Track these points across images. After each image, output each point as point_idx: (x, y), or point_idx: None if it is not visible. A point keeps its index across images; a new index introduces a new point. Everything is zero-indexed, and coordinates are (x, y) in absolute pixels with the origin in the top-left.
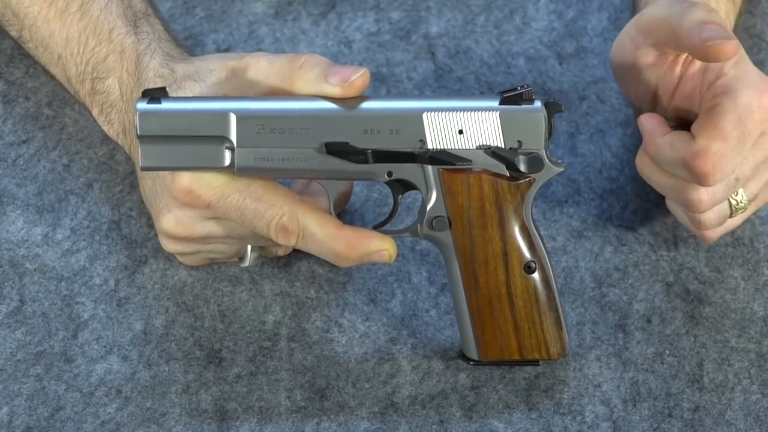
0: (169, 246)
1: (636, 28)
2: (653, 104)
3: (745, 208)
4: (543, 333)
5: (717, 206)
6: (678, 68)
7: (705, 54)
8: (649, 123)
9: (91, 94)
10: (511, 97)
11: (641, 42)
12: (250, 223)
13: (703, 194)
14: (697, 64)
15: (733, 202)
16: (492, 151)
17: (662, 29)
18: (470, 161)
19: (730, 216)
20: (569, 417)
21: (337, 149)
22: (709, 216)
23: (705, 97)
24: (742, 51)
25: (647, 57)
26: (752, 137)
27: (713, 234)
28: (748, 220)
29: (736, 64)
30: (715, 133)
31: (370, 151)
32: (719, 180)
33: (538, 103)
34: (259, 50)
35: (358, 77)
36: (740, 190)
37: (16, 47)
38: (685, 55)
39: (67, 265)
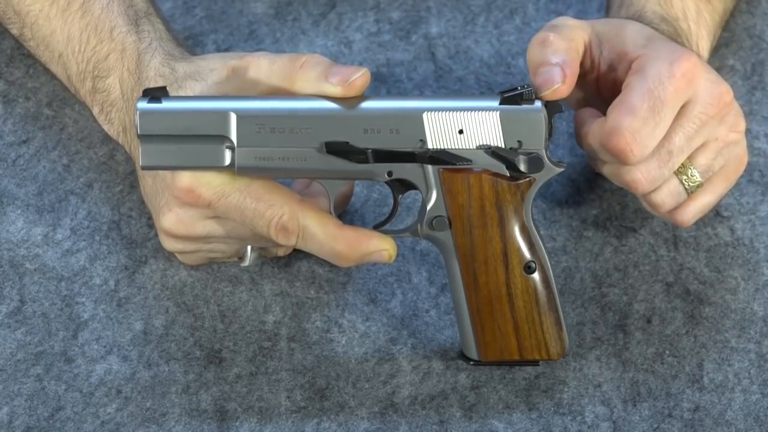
0: (169, 245)
1: None
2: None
3: (701, 184)
4: (543, 333)
5: (667, 185)
6: (593, 75)
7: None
8: (577, 117)
9: (91, 92)
10: (511, 97)
11: None
12: (251, 223)
13: (636, 173)
14: (605, 64)
15: (683, 177)
16: (492, 151)
17: None
18: (470, 161)
19: (690, 193)
20: (569, 417)
21: (337, 149)
22: (660, 196)
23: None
24: (652, 30)
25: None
26: (669, 107)
27: (683, 216)
28: (748, 221)
29: (646, 45)
30: (623, 109)
31: (370, 150)
32: (640, 155)
33: (538, 103)
34: (260, 50)
35: (359, 77)
36: (690, 166)
37: (17, 47)
38: (590, 62)
39: (67, 265)
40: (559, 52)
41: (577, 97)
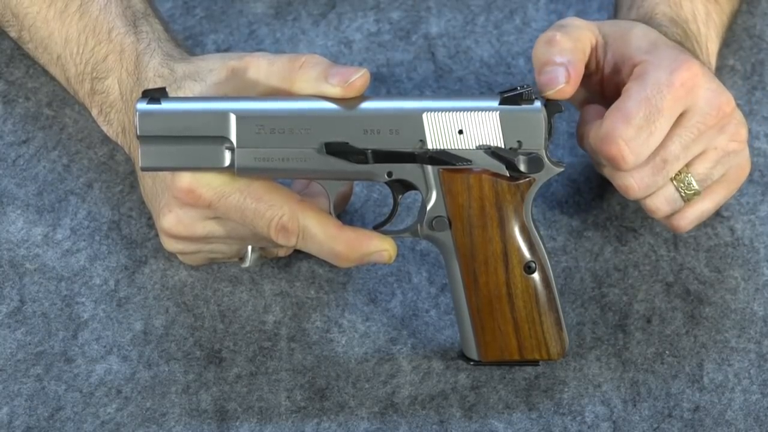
0: (170, 245)
1: None
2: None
3: (698, 192)
4: (543, 333)
5: (662, 192)
6: (597, 76)
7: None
8: (581, 114)
9: (90, 94)
10: (511, 97)
11: None
12: (251, 223)
13: (629, 179)
14: (609, 67)
15: (680, 185)
16: (492, 151)
17: None
18: (470, 161)
19: (686, 201)
20: (569, 417)
21: (337, 149)
22: (655, 203)
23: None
24: (658, 35)
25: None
26: (665, 116)
27: (680, 222)
28: (748, 221)
29: (650, 51)
30: (619, 115)
31: (370, 151)
32: (633, 162)
33: (538, 103)
34: (259, 50)
35: (358, 78)
36: (687, 174)
37: (16, 47)
38: (595, 63)
39: (67, 265)
40: (564, 52)
41: (581, 97)
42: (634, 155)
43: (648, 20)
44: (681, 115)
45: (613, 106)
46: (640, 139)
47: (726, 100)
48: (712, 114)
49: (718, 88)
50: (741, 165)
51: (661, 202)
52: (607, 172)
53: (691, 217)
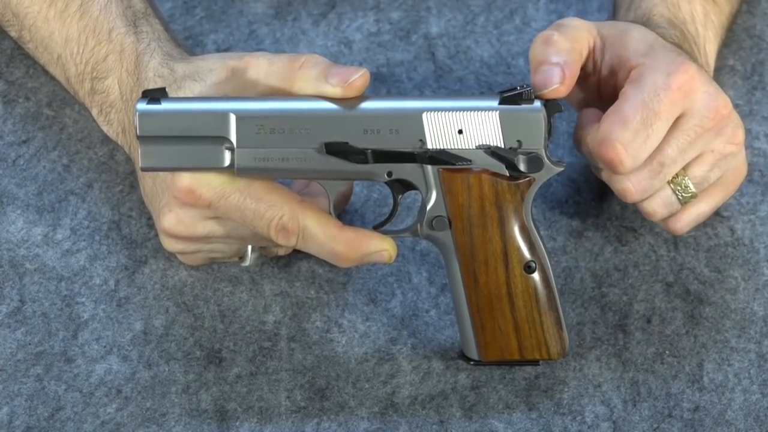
0: (170, 245)
1: None
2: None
3: (695, 194)
4: (543, 333)
5: (660, 195)
6: (594, 77)
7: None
8: (579, 118)
9: (90, 94)
10: (510, 97)
11: None
12: (251, 223)
13: (626, 183)
14: (607, 68)
15: (677, 188)
16: (492, 151)
17: None
18: (470, 161)
19: (683, 204)
20: (569, 417)
21: (337, 149)
22: (652, 206)
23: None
24: (656, 37)
25: None
26: (662, 120)
27: (677, 224)
28: (748, 221)
29: (647, 53)
30: (616, 119)
31: (369, 151)
32: (631, 165)
33: (537, 103)
34: (259, 50)
35: (358, 77)
36: (684, 177)
37: (16, 47)
38: (593, 65)
39: (67, 265)
40: (561, 52)
41: (579, 98)
42: (631, 158)
43: (646, 22)
44: (678, 118)
45: (610, 109)
46: (637, 142)
47: (723, 102)
48: (709, 117)
49: (715, 91)
50: (738, 167)
51: (658, 205)
52: (604, 175)
53: (687, 219)
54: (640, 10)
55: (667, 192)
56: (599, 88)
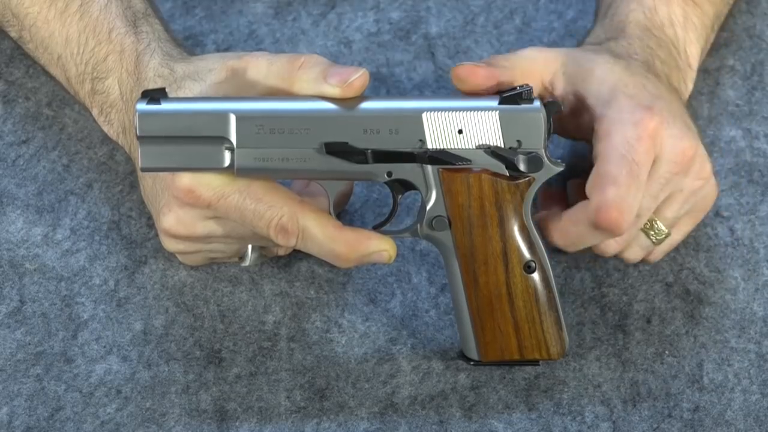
0: (170, 245)
1: None
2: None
3: (668, 234)
4: (543, 333)
5: (636, 242)
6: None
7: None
8: (541, 222)
9: (90, 94)
10: (510, 97)
11: None
12: (250, 224)
13: (610, 241)
14: (568, 104)
15: (650, 233)
16: (491, 151)
17: None
18: (470, 161)
19: (658, 243)
20: (569, 417)
21: (336, 149)
22: (630, 254)
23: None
24: (619, 77)
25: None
26: (645, 167)
27: (651, 257)
28: (748, 221)
29: (609, 103)
30: (604, 181)
31: (369, 151)
32: (629, 222)
33: (537, 103)
34: (259, 50)
35: (358, 78)
36: (656, 222)
37: (16, 47)
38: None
39: (67, 265)
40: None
41: None
42: (628, 215)
43: (620, 32)
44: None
45: (593, 175)
46: (630, 195)
47: (689, 144)
48: (677, 162)
49: (680, 133)
50: (707, 195)
51: (636, 251)
52: (595, 247)
53: (661, 252)
54: (616, 16)
55: (642, 237)
56: (560, 123)
